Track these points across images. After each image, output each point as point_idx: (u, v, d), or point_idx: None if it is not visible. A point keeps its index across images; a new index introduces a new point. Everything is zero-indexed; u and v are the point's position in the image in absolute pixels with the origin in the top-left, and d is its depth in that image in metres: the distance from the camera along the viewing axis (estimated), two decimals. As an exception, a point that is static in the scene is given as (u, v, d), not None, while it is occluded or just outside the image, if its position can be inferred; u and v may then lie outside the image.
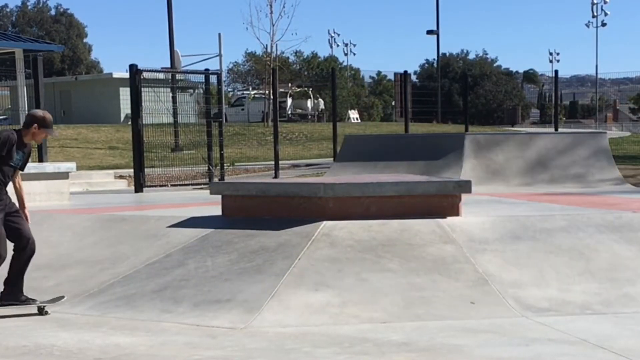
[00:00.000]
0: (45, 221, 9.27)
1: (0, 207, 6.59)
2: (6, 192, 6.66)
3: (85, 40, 77.87)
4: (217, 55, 31.88)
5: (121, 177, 18.06)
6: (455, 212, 8.06)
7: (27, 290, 7.42)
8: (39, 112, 6.86)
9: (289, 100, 46.90)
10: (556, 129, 26.17)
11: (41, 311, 6.73)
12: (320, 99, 47.96)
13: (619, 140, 26.82)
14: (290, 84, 47.93)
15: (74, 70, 68.88)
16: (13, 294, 6.74)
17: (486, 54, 79.14)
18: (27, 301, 6.76)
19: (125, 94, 26.23)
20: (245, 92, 53.10)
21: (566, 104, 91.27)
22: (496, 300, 6.59)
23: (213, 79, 17.71)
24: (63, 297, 6.87)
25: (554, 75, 26.27)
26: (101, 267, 7.74)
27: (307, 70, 63.80)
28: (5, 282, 6.75)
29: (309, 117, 46.65)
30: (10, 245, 6.65)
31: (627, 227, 7.91)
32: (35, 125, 6.68)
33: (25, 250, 6.67)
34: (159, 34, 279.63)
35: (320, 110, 48.00)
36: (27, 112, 6.77)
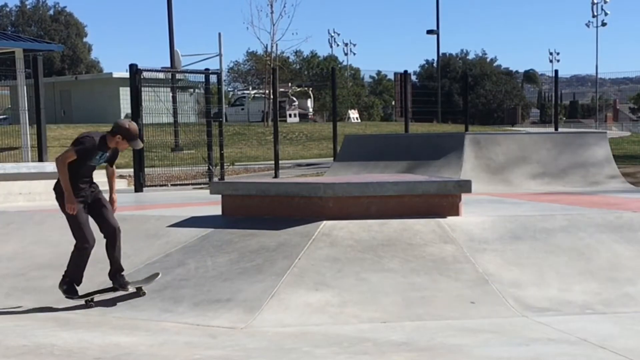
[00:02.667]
0: (45, 221, 9.28)
1: (81, 199, 6.84)
2: (88, 185, 6.94)
3: (85, 39, 77.85)
4: (217, 55, 31.93)
5: (121, 176, 18.01)
6: (455, 211, 8.06)
7: (27, 290, 7.43)
8: (125, 124, 6.93)
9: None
10: (556, 129, 26.17)
11: (139, 292, 6.96)
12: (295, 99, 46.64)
13: (619, 140, 26.83)
14: (290, 84, 47.90)
15: (74, 70, 68.85)
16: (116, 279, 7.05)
17: (485, 54, 79.25)
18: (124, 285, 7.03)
19: (125, 93, 26.21)
20: (245, 91, 53.08)
21: (566, 103, 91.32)
22: (496, 300, 6.59)
23: (213, 78, 17.70)
24: (158, 274, 7.10)
25: (554, 75, 26.25)
26: (101, 267, 7.72)
27: (307, 69, 63.81)
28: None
29: (291, 116, 45.09)
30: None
31: (627, 227, 7.91)
32: (119, 136, 6.84)
33: (108, 237, 6.97)
34: (159, 34, 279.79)
35: (310, 108, 47.43)
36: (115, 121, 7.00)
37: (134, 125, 6.93)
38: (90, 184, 6.99)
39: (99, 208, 6.98)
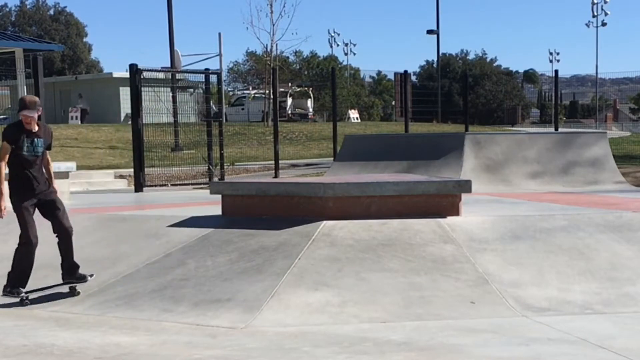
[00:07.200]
0: (45, 221, 9.26)
1: (27, 196, 7.08)
2: (36, 181, 7.12)
3: (85, 39, 77.79)
4: (217, 55, 31.85)
5: (121, 176, 18.06)
6: (455, 211, 8.06)
7: (27, 290, 7.42)
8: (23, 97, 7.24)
9: (289, 100, 46.83)
10: (556, 129, 26.17)
11: (74, 291, 7.20)
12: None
13: (619, 140, 26.82)
14: (290, 84, 47.86)
15: (74, 70, 68.79)
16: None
17: (485, 54, 79.24)
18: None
19: (125, 93, 26.23)
20: (245, 91, 53.03)
21: (566, 103, 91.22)
22: (496, 300, 6.59)
23: (213, 78, 17.70)
24: (92, 274, 7.30)
25: (554, 75, 26.23)
26: (101, 267, 7.74)
27: (307, 69, 63.78)
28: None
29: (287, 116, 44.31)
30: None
31: (627, 227, 7.92)
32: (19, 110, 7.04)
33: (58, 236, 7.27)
34: (159, 34, 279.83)
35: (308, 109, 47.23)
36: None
37: (28, 97, 7.18)
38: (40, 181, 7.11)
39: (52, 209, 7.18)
